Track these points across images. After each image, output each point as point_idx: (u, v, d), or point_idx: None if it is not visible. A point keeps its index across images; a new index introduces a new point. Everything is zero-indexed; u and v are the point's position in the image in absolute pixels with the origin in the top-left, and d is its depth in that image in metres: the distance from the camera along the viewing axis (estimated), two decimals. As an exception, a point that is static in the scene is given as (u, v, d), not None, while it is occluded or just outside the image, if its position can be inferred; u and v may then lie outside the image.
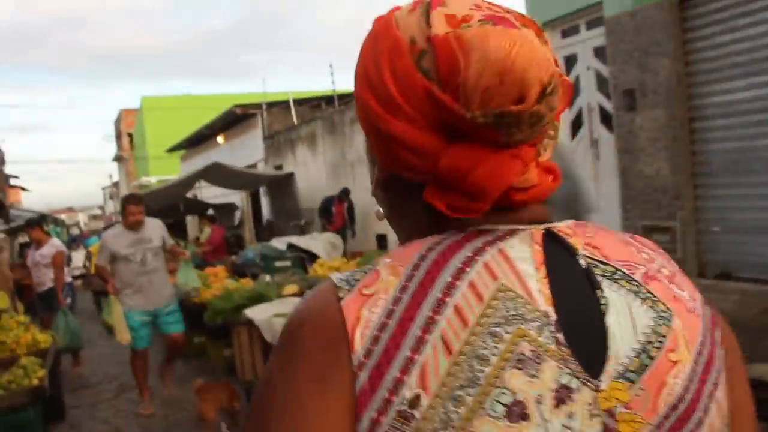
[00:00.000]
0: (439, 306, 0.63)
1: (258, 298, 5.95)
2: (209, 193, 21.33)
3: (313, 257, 10.18)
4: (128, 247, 5.80)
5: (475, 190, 0.67)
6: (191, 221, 24.04)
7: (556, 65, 0.68)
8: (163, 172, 29.87)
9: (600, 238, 0.73)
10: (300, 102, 17.26)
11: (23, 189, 38.93)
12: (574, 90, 7.54)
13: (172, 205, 16.17)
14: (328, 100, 17.21)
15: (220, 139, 20.63)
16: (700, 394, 0.67)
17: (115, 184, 52.07)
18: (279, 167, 16.41)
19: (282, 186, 15.88)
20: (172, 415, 5.80)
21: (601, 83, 7.15)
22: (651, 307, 0.68)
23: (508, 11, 0.70)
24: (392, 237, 10.55)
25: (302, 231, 13.79)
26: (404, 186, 0.74)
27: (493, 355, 0.62)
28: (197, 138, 22.43)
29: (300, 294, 6.18)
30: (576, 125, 7.56)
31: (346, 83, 15.80)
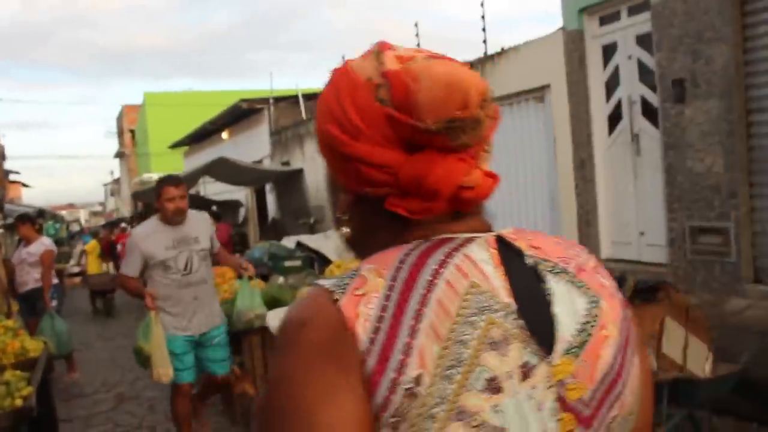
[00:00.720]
0: (425, 300, 0.75)
1: (272, 302, 5.37)
2: (212, 189, 20.80)
3: (322, 258, 9.62)
4: (168, 248, 4.36)
5: (432, 191, 0.80)
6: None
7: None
8: (165, 168, 29.24)
9: (538, 240, 0.87)
10: (308, 97, 16.67)
11: (24, 185, 38.57)
12: (614, 81, 7.00)
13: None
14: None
15: (224, 134, 20.08)
16: (624, 362, 0.84)
17: (116, 181, 51.65)
18: (286, 163, 15.84)
19: (290, 183, 15.30)
20: None
21: (644, 73, 6.58)
22: (584, 293, 0.83)
23: (445, 57, 0.86)
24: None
25: (311, 229, 13.22)
26: (369, 204, 0.86)
27: (472, 339, 0.74)
28: (201, 134, 21.89)
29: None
30: (614, 119, 6.99)
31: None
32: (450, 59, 0.84)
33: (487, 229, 0.87)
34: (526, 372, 0.75)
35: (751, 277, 5.68)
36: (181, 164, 27.61)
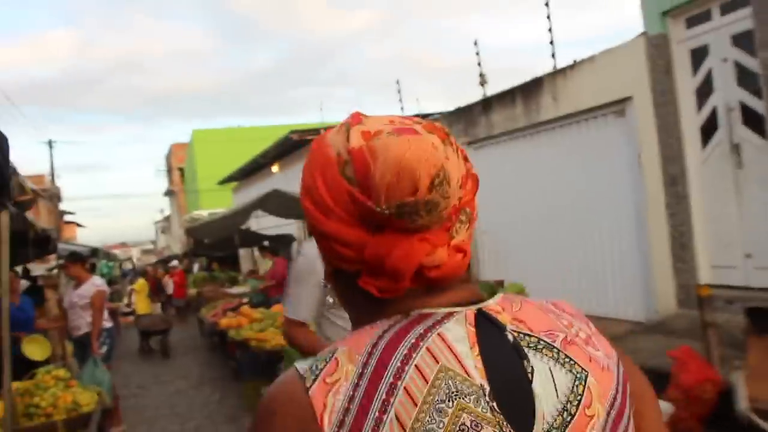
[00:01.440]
0: (392, 389, 0.74)
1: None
2: (263, 224, 20.53)
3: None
4: None
5: (393, 271, 0.79)
6: (243, 255, 23.27)
7: (466, 161, 0.85)
8: (214, 205, 29.36)
9: (524, 311, 0.85)
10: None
11: (78, 225, 39.24)
12: (706, 88, 6.34)
13: (225, 238, 15.26)
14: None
15: (274, 168, 19.84)
16: None
17: (167, 219, 52.28)
18: (338, 195, 15.42)
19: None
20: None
21: (744, 77, 5.92)
22: (569, 370, 0.80)
23: (419, 122, 0.85)
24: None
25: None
26: (345, 277, 0.86)
27: (440, 427, 0.72)
28: (250, 168, 21.72)
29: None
30: (707, 130, 6.32)
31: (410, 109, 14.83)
32: (414, 133, 0.80)
33: (472, 299, 0.85)
34: None
35: None
36: (230, 200, 27.56)
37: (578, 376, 0.80)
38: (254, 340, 7.50)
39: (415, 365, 0.74)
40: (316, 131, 16.82)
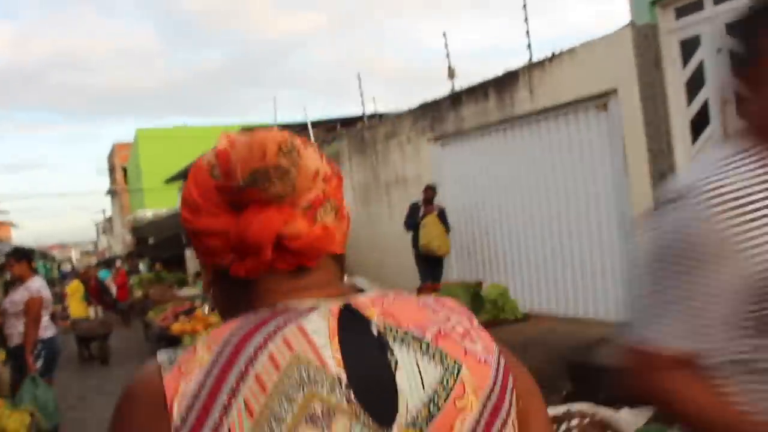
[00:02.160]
0: (242, 376, 0.73)
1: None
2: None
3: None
4: None
5: (254, 243, 0.81)
6: (190, 256, 22.38)
7: (331, 165, 0.89)
8: (159, 204, 28.34)
9: (397, 306, 0.84)
10: (315, 124, 15.74)
11: (11, 225, 37.42)
12: (697, 80, 6.05)
13: (172, 237, 14.48)
14: (342, 122, 15.77)
15: (224, 166, 19.10)
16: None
17: (109, 220, 50.53)
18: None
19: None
20: None
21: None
22: (439, 362, 0.79)
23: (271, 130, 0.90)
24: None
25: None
26: (223, 279, 0.87)
27: (288, 414, 0.72)
28: (198, 166, 20.91)
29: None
30: (698, 125, 6.02)
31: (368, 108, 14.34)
32: (269, 130, 0.86)
33: (342, 295, 0.85)
34: None
35: None
36: (176, 199, 26.59)
37: (449, 368, 0.79)
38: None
39: (269, 353, 0.74)
40: (268, 128, 16.18)
